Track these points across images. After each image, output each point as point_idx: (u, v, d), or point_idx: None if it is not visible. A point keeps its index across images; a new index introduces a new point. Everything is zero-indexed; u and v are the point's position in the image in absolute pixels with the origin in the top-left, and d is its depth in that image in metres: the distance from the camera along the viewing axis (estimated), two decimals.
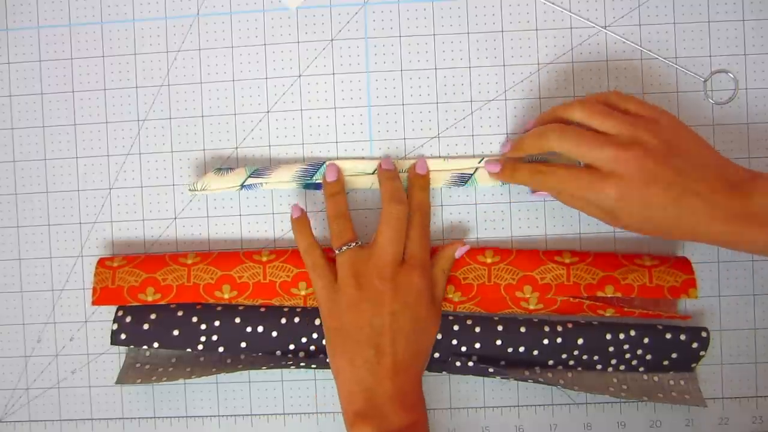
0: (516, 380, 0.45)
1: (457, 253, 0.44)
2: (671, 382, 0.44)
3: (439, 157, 0.46)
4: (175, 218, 0.47)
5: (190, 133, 0.47)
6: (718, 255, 0.46)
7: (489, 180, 0.45)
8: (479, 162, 0.45)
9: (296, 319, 0.44)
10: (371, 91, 0.46)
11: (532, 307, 0.43)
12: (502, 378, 0.44)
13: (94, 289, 0.45)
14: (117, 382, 0.45)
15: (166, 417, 0.47)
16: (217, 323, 0.44)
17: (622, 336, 0.43)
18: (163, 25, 0.47)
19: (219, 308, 0.45)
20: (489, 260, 0.44)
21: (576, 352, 0.43)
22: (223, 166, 0.47)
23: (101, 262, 0.45)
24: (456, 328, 0.44)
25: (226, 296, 0.44)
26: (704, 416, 0.46)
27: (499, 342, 0.43)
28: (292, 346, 0.44)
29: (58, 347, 0.47)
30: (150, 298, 0.44)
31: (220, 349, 0.44)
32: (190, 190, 0.45)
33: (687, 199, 0.37)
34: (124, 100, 0.47)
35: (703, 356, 0.44)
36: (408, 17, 0.46)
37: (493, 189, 0.46)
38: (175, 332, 0.44)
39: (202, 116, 0.47)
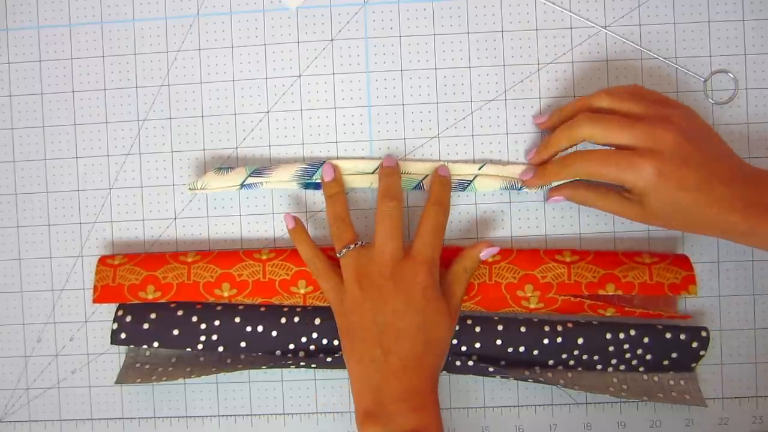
0: (516, 380, 0.45)
1: (483, 255, 0.43)
2: (671, 382, 0.44)
3: (439, 160, 0.46)
4: (175, 218, 0.47)
5: (190, 133, 0.47)
6: (718, 255, 0.46)
7: (488, 186, 0.45)
8: (479, 169, 0.45)
9: (296, 319, 0.44)
10: (371, 91, 0.46)
11: (533, 306, 0.43)
12: (502, 377, 0.44)
13: (95, 287, 0.45)
14: (117, 382, 0.45)
15: (166, 417, 0.47)
16: (217, 323, 0.44)
17: (622, 336, 0.43)
18: (163, 25, 0.47)
19: (219, 308, 0.45)
20: (490, 259, 0.44)
21: (576, 352, 0.43)
22: (223, 165, 0.47)
23: (102, 260, 0.45)
24: (456, 327, 0.43)
25: (226, 294, 0.44)
26: (704, 416, 0.46)
27: (499, 342, 0.43)
28: (292, 346, 0.44)
29: (58, 347, 0.47)
30: (150, 296, 0.44)
31: (220, 349, 0.44)
32: (189, 189, 0.45)
33: (714, 185, 0.37)
34: (124, 100, 0.47)
35: (703, 356, 0.44)
36: (408, 17, 0.46)
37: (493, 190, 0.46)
38: (175, 332, 0.44)
39: (202, 116, 0.47)
